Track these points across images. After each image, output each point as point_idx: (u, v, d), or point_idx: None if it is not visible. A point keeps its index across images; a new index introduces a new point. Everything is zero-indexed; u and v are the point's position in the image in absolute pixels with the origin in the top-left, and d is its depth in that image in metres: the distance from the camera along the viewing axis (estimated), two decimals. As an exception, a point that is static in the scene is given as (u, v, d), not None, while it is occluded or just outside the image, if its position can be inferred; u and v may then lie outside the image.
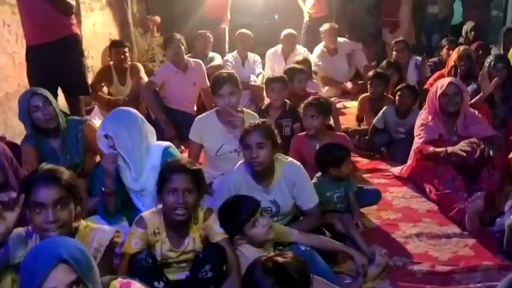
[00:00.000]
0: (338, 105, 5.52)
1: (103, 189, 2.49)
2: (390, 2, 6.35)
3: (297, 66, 4.17)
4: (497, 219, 2.70)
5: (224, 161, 3.00)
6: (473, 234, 2.75)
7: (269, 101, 3.78)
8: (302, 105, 3.24)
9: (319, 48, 5.79)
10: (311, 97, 3.33)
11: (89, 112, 4.49)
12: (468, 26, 5.76)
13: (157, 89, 4.24)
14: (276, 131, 2.46)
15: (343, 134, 3.48)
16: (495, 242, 2.64)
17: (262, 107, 3.80)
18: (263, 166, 2.38)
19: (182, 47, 4.36)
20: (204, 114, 3.16)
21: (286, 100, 3.69)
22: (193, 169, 2.06)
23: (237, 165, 2.53)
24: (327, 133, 3.27)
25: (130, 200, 2.71)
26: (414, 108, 3.95)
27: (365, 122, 4.47)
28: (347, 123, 4.71)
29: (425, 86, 4.42)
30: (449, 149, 3.05)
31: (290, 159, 2.56)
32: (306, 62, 4.62)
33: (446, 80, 3.31)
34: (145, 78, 4.62)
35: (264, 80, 4.23)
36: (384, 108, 4.06)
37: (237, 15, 6.77)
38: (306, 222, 2.51)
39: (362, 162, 3.94)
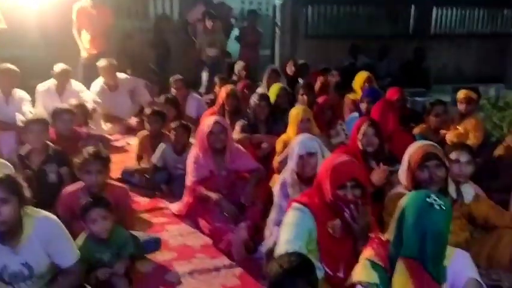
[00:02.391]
0: (121, 143, 5.41)
1: None
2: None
3: (63, 106, 3.89)
4: (259, 246, 2.94)
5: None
6: (241, 263, 2.92)
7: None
8: (82, 159, 2.87)
9: (98, 84, 5.58)
10: (91, 149, 2.95)
11: None
12: (239, 65, 6.33)
13: None
14: (23, 183, 2.19)
15: (123, 186, 3.21)
16: (259, 268, 2.85)
17: (22, 153, 3.39)
18: (8, 225, 2.09)
19: None
20: None
21: (48, 143, 3.38)
22: None
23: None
24: (107, 186, 3.01)
25: None
26: (191, 145, 4.08)
27: (145, 160, 4.42)
28: (131, 162, 4.61)
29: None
30: (217, 198, 3.27)
31: (43, 213, 2.31)
32: (81, 106, 4.35)
33: (211, 119, 3.51)
34: None
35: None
36: (162, 146, 4.09)
37: (5, 47, 6.04)
38: (66, 281, 2.28)
39: (142, 202, 3.88)
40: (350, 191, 2.15)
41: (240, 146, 3.65)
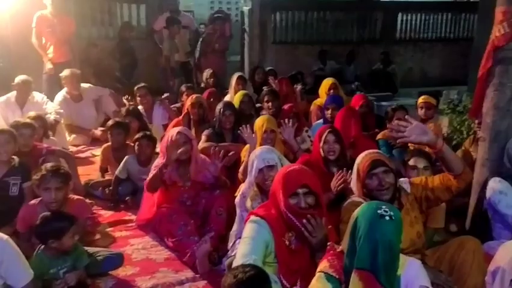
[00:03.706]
0: (86, 154, 5.30)
1: None
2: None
3: (23, 120, 3.77)
4: (223, 258, 2.91)
5: None
6: (205, 276, 2.89)
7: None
8: (39, 176, 2.86)
9: (61, 94, 5.47)
10: (49, 165, 2.95)
11: None
12: (207, 73, 6.29)
13: None
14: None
15: (81, 198, 3.21)
16: (223, 280, 2.82)
17: None
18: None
19: None
20: None
21: (14, 157, 3.30)
22: None
23: None
24: (66, 200, 2.97)
25: None
26: (157, 155, 4.02)
27: (110, 172, 4.35)
28: (95, 173, 4.52)
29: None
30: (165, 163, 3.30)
31: (-6, 234, 2.24)
32: (39, 118, 4.24)
33: (174, 130, 3.47)
34: None
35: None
36: (125, 158, 4.03)
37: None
38: (19, 302, 2.22)
39: (105, 215, 3.80)
40: (303, 199, 2.14)
41: (205, 157, 3.62)
